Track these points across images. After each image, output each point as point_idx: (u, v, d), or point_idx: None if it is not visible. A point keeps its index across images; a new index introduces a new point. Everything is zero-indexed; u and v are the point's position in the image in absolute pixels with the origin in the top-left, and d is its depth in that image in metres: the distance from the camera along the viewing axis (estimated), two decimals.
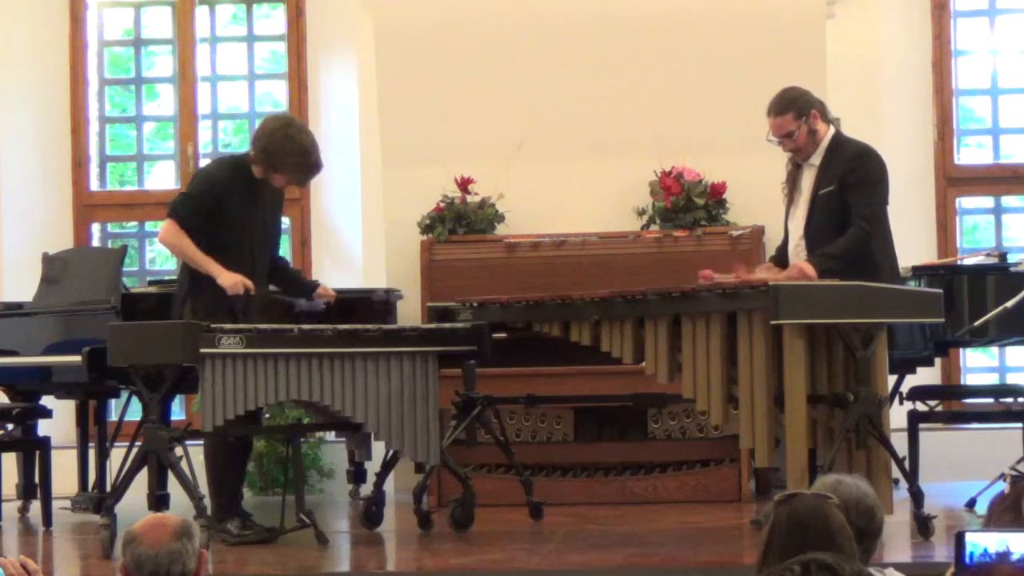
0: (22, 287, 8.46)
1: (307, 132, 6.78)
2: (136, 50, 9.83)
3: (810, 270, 6.21)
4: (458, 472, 6.99)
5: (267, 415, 8.19)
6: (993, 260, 8.11)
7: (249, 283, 6.54)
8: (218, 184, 6.66)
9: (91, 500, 7.42)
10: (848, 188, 6.42)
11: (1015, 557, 2.82)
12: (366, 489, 7.74)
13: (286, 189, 7.00)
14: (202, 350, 6.12)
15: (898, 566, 3.74)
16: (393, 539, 7.01)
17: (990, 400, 8.09)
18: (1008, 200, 9.37)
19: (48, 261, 7.85)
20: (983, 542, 2.84)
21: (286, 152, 6.60)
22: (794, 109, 6.52)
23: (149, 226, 9.60)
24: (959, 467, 8.15)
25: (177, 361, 6.16)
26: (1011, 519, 3.35)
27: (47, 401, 7.86)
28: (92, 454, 7.63)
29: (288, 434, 7.25)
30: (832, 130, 6.58)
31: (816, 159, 6.55)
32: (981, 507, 6.70)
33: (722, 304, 6.05)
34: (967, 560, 2.83)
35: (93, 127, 9.71)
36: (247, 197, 6.68)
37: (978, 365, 9.31)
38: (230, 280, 6.51)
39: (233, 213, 6.62)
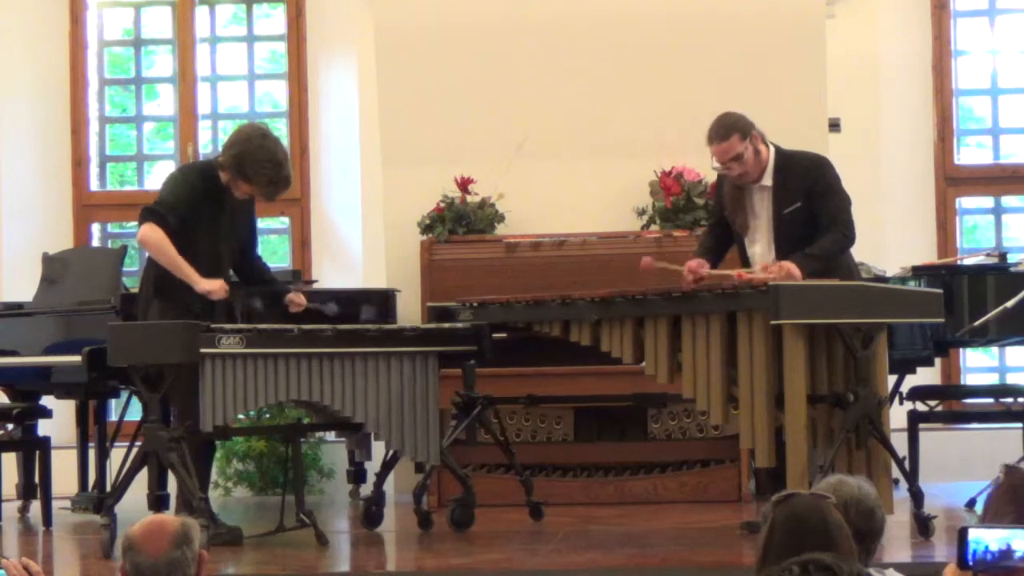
0: (22, 287, 8.46)
1: (280, 144, 6.71)
2: (136, 50, 9.84)
3: (796, 271, 6.20)
4: (458, 472, 6.99)
5: (267, 415, 8.22)
6: (993, 260, 8.10)
7: (227, 286, 6.51)
8: (193, 190, 6.60)
9: (91, 500, 7.41)
10: (816, 198, 6.39)
11: (1018, 555, 2.82)
12: (366, 489, 7.74)
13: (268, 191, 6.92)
14: (202, 350, 6.12)
15: (898, 566, 3.74)
16: (393, 539, 7.00)
17: (990, 400, 8.09)
18: (1008, 200, 9.37)
19: (48, 261, 7.86)
20: (986, 539, 2.84)
21: (260, 160, 6.53)
22: (738, 131, 6.45)
23: None
24: (959, 467, 8.15)
25: (177, 361, 6.16)
26: (1011, 510, 3.35)
27: (47, 401, 7.86)
28: (92, 454, 7.63)
29: (288, 434, 7.24)
30: (773, 149, 6.54)
31: (767, 180, 6.50)
32: (981, 507, 6.69)
33: (722, 304, 6.05)
34: (969, 557, 2.84)
35: (93, 127, 9.72)
36: (215, 203, 6.63)
37: (978, 365, 9.31)
38: (211, 285, 6.46)
39: (201, 219, 6.57)
